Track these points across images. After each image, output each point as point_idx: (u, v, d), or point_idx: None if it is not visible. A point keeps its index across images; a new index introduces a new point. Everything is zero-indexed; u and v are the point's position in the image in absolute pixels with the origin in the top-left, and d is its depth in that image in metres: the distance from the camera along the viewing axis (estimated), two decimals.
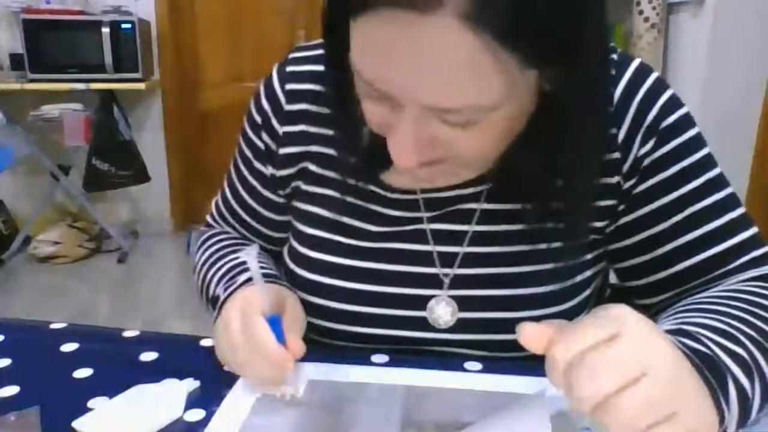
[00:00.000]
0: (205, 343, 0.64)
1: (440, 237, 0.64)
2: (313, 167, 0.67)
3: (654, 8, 2.17)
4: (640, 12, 2.20)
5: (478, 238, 0.63)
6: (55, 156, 3.07)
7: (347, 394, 0.55)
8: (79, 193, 3.15)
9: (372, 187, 0.65)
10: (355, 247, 0.65)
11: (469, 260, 0.63)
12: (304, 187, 0.68)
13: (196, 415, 0.52)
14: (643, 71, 0.61)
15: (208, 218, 0.82)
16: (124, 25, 2.91)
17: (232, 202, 0.77)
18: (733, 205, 0.61)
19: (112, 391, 0.54)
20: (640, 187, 0.61)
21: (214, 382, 0.56)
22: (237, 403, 0.54)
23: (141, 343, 0.65)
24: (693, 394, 0.39)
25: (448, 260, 0.64)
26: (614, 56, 0.61)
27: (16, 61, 2.98)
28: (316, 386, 0.56)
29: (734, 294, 0.55)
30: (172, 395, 0.54)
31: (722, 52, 2.02)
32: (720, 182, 0.61)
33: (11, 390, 0.56)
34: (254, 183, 0.73)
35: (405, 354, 0.63)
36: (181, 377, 0.57)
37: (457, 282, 0.63)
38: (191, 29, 3.37)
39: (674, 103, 0.60)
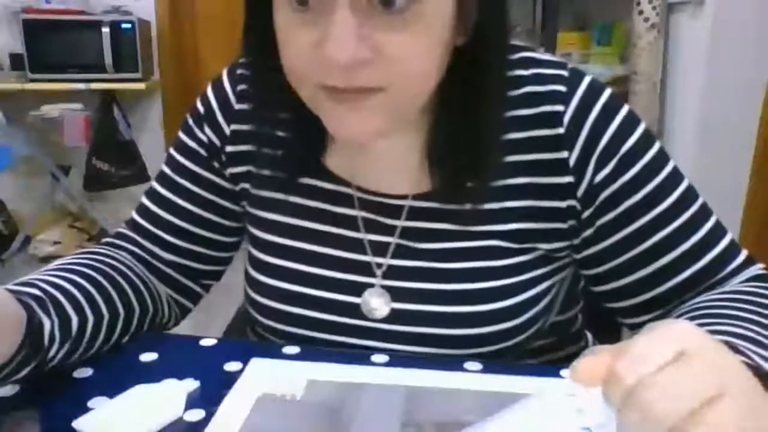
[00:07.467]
0: (205, 343, 0.64)
1: (372, 229, 0.64)
2: (255, 169, 0.68)
3: (654, 8, 2.17)
4: (640, 12, 2.20)
5: (409, 235, 0.63)
6: (55, 156, 3.06)
7: (347, 394, 0.55)
8: (79, 193, 3.15)
9: (308, 181, 0.65)
10: (292, 249, 0.66)
11: (401, 254, 0.63)
12: (252, 191, 0.69)
13: (196, 415, 0.52)
14: (594, 89, 0.59)
15: (122, 228, 0.74)
16: (124, 25, 2.90)
17: (158, 210, 0.72)
18: (706, 217, 0.60)
19: (112, 391, 0.54)
20: (609, 216, 0.59)
21: (214, 382, 0.56)
22: (237, 403, 0.53)
23: (141, 343, 0.65)
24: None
25: (381, 257, 0.64)
26: (564, 72, 0.60)
27: (16, 61, 2.97)
28: (316, 386, 0.56)
29: (738, 296, 0.55)
30: (172, 395, 0.54)
31: (722, 52, 2.02)
32: (689, 197, 0.60)
33: (11, 390, 0.55)
34: (189, 185, 0.71)
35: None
36: (181, 377, 0.57)
37: (391, 275, 0.64)
38: (191, 29, 3.37)
39: (630, 122, 0.59)
